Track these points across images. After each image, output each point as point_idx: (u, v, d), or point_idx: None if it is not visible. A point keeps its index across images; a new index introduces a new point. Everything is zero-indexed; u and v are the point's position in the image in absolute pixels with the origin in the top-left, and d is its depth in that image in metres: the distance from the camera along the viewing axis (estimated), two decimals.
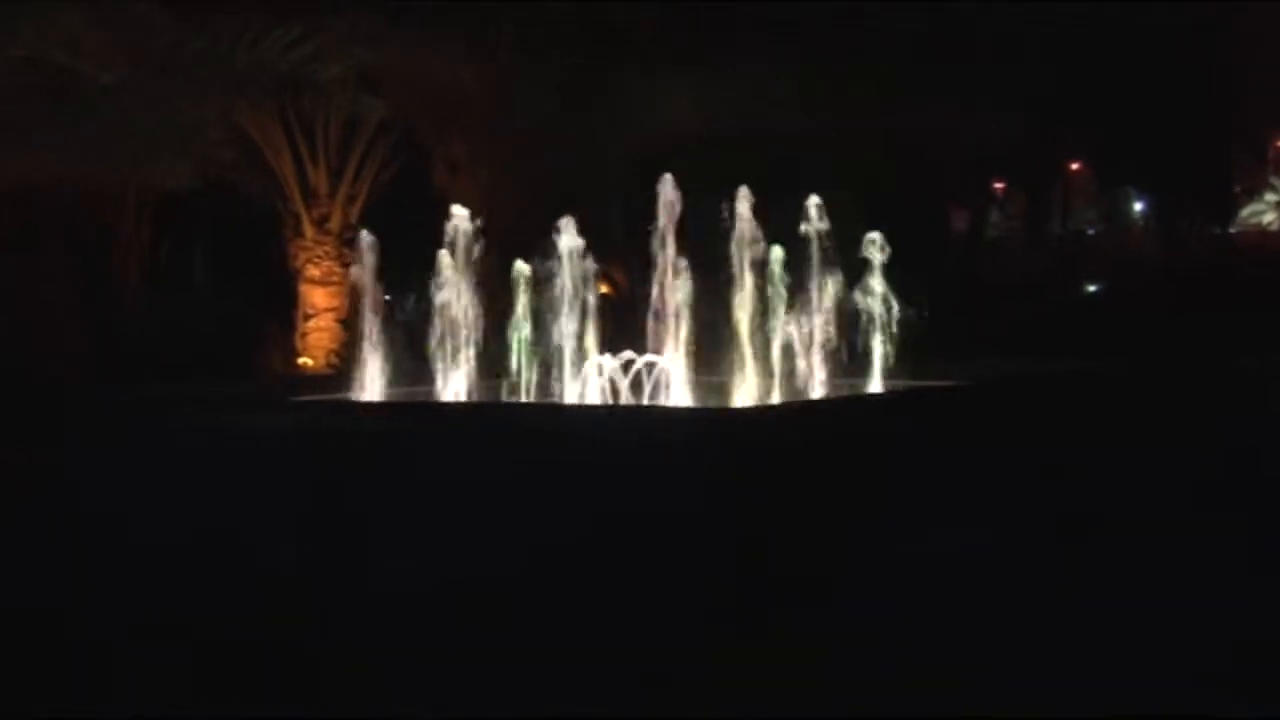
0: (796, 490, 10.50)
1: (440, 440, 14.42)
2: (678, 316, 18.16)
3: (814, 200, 19.06)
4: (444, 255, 19.83)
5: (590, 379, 18.50)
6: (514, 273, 19.24)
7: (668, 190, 18.45)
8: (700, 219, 18.71)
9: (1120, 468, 11.42)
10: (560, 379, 18.79)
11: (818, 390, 18.92)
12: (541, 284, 18.95)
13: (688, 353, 18.18)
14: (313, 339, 28.82)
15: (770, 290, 18.68)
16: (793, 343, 18.83)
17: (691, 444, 13.51)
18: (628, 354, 18.19)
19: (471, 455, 13.16)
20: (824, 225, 19.05)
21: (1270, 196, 43.26)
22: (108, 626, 6.69)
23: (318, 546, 8.65)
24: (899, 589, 7.16)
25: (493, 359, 19.36)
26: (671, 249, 18.39)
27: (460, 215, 20.05)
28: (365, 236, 20.91)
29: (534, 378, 19.16)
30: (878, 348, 19.78)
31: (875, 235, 20.07)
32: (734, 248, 18.47)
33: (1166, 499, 9.79)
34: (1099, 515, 9.13)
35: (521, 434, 15.03)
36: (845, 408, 17.70)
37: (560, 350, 18.77)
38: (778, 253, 18.83)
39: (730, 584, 7.37)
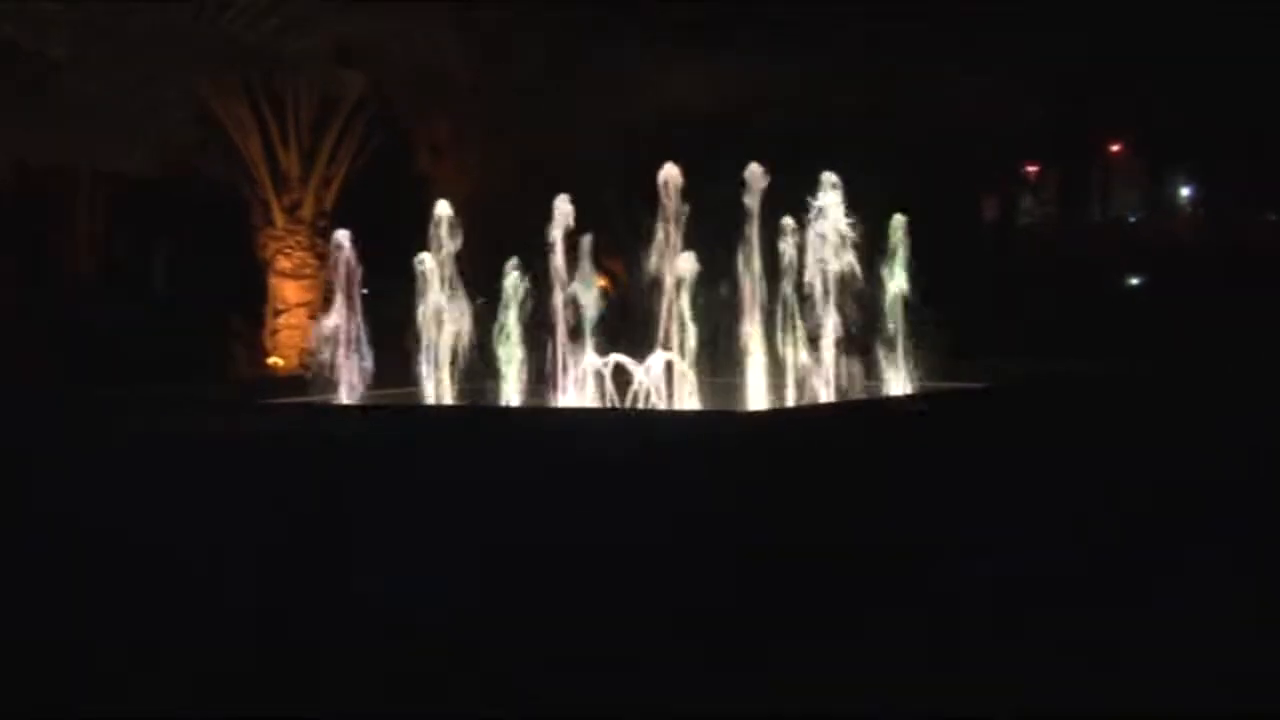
0: (805, 499, 10.88)
1: (427, 446, 14.78)
2: (681, 314, 18.43)
3: (828, 177, 19.27)
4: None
5: (585, 381, 18.85)
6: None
7: (672, 176, 18.70)
8: (705, 205, 18.99)
9: (1146, 484, 11.81)
10: (554, 380, 19.14)
11: (832, 393, 19.21)
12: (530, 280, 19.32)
13: (692, 352, 18.44)
14: (284, 337, 29.08)
15: (782, 270, 18.89)
16: (807, 341, 19.11)
17: (693, 451, 13.85)
18: (638, 357, 18.47)
19: (460, 463, 13.52)
20: (838, 209, 19.29)
21: None
22: (95, 645, 7.11)
23: (298, 562, 9.05)
24: (911, 602, 7.58)
25: (488, 359, 19.72)
26: (676, 239, 18.66)
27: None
28: (341, 234, 21.10)
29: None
30: (895, 347, 20.03)
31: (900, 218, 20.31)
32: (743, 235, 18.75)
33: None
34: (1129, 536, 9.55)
35: (511, 440, 15.38)
36: (862, 413, 18.03)
37: (554, 350, 19.14)
38: (788, 224, 19.04)
39: (737, 595, 7.77)
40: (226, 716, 5.78)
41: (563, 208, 19.13)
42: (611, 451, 13.62)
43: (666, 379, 18.21)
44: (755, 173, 18.90)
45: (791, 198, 19.35)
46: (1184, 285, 33.51)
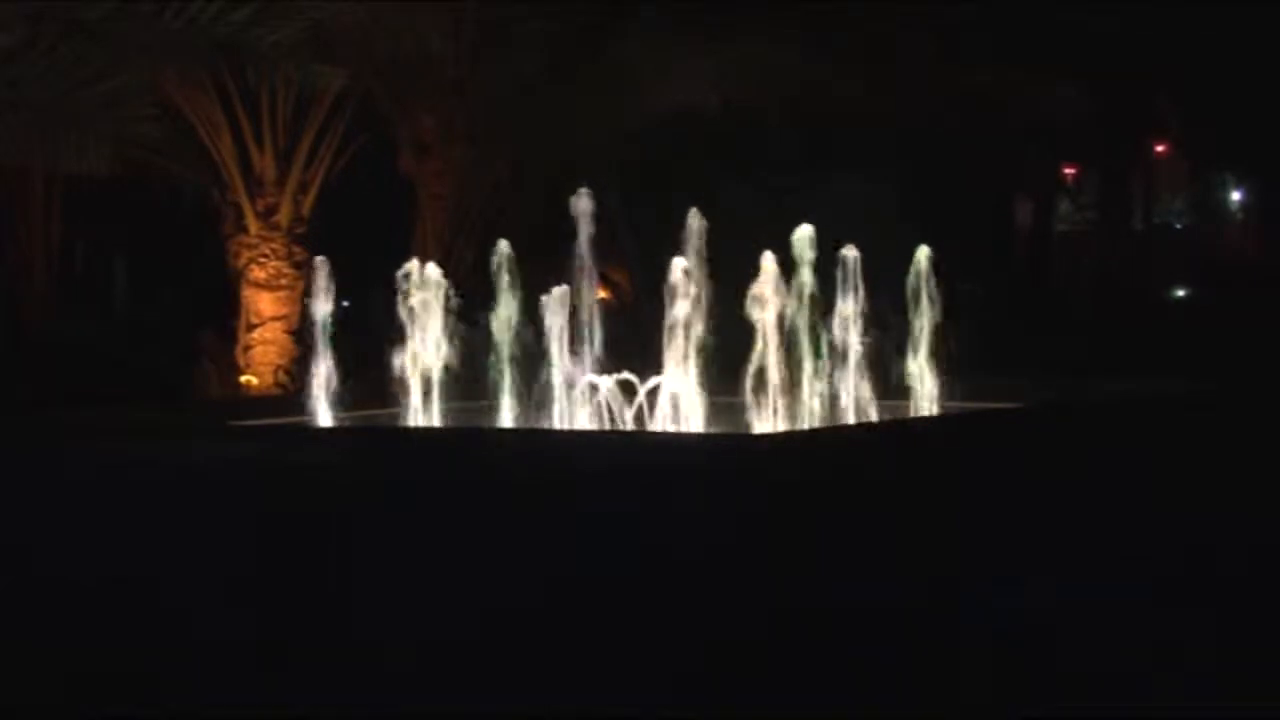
0: (823, 533, 10.57)
1: (407, 475, 14.47)
2: (688, 328, 18.19)
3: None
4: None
5: (584, 402, 18.65)
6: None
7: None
8: (717, 208, 18.81)
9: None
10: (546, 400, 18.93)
11: (851, 414, 19.01)
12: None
13: (701, 371, 18.21)
14: (257, 353, 28.73)
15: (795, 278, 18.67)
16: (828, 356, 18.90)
17: (704, 478, 13.56)
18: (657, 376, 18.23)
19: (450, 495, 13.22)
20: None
21: None
22: None
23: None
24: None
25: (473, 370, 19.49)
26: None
27: None
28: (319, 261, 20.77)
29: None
30: (918, 364, 19.78)
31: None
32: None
33: None
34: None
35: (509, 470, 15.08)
36: (885, 437, 17.76)
37: (549, 368, 18.92)
38: (805, 231, 18.77)
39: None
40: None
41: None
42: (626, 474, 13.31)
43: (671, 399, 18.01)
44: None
45: (804, 199, 19.14)
46: (1235, 297, 33.30)
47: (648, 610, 8.64)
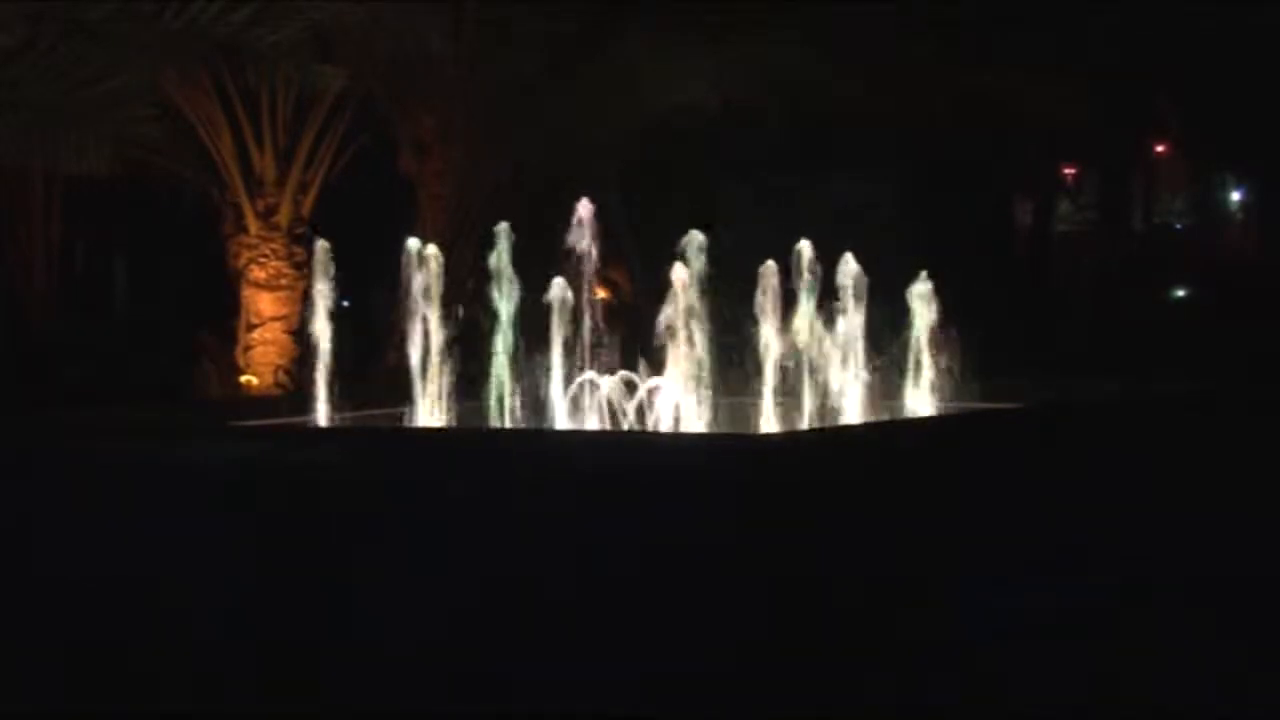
0: (823, 536, 10.55)
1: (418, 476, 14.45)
2: (688, 328, 18.18)
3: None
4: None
5: (582, 401, 18.64)
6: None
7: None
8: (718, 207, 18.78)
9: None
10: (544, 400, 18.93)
11: (852, 415, 19.02)
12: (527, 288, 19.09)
13: (699, 372, 18.19)
14: (257, 353, 28.71)
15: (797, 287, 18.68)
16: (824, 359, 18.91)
17: (704, 478, 13.54)
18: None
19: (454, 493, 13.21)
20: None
21: None
22: None
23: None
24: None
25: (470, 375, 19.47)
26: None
27: None
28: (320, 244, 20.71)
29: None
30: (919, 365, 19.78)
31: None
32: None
33: None
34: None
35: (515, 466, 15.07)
36: (883, 437, 17.74)
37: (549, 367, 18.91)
38: (805, 249, 18.81)
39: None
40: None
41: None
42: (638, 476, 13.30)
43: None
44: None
45: (804, 201, 19.13)
46: (1235, 297, 33.26)
47: (648, 610, 8.65)
